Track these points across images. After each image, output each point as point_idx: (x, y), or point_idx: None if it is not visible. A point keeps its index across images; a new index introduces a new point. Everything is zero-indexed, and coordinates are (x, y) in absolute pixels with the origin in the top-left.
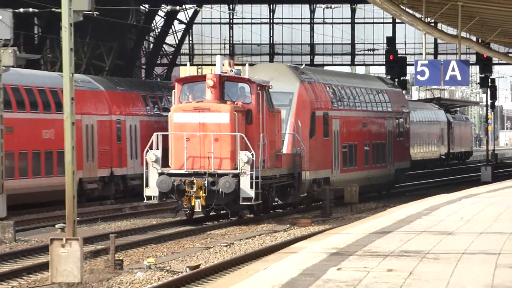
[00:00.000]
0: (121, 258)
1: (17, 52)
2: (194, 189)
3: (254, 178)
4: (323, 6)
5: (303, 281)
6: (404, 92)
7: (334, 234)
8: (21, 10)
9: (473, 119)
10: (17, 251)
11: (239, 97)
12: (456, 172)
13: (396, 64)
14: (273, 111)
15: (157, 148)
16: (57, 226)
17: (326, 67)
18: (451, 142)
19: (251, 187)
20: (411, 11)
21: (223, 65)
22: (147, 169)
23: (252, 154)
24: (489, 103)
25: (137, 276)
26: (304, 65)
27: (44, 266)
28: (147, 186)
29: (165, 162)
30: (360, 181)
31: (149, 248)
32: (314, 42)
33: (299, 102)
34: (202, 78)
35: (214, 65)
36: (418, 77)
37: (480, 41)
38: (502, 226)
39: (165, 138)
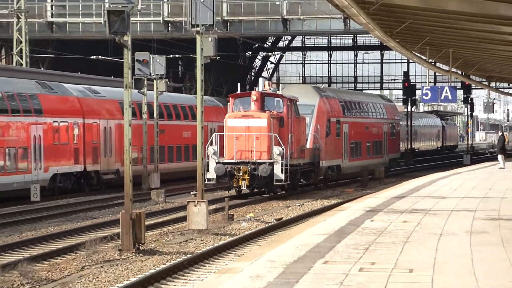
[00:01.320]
0: (232, 213)
1: (168, 82)
2: (241, 173)
3: (284, 165)
4: (362, 52)
5: (348, 228)
6: (414, 107)
7: (368, 198)
8: (171, 55)
9: (459, 124)
10: (166, 209)
11: (275, 108)
12: (447, 158)
13: (409, 89)
14: (299, 118)
15: (215, 144)
16: (191, 193)
17: (364, 91)
18: (444, 139)
19: (282, 172)
20: (419, 55)
21: (264, 85)
22: (207, 159)
23: (283, 149)
24: (469, 114)
25: (242, 225)
26: (323, 86)
27: (183, 219)
28: (207, 171)
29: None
30: (363, 167)
31: (250, 207)
32: (357, 75)
33: (318, 111)
34: (249, 94)
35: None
36: (424, 97)
37: (463, 73)
38: (477, 193)
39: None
